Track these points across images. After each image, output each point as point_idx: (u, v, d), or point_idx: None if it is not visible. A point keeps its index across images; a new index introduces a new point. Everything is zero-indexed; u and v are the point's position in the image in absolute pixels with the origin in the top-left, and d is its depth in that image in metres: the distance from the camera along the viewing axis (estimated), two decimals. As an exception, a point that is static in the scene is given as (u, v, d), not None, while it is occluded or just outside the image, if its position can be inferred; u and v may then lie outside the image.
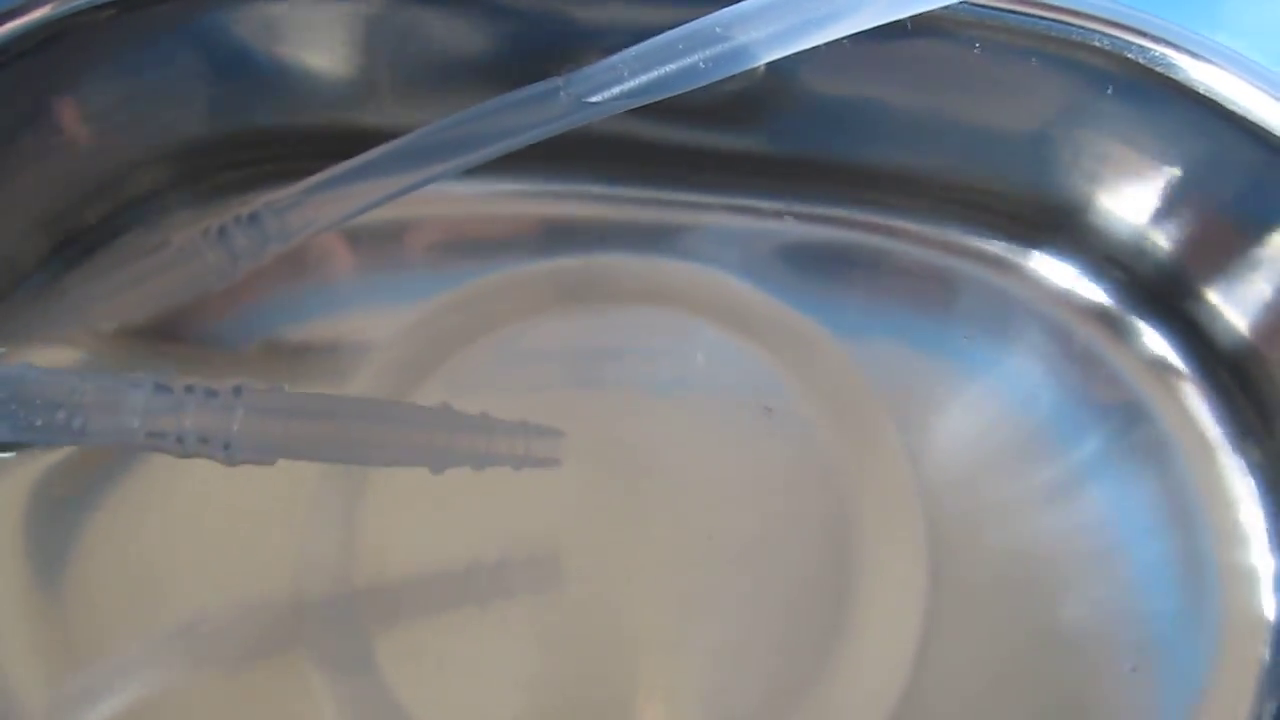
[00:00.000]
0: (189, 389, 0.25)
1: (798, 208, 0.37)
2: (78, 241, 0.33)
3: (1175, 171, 0.33)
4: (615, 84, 0.29)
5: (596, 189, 0.37)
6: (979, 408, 0.34)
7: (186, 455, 0.25)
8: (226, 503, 0.31)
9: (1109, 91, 0.32)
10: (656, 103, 0.30)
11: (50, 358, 0.32)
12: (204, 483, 0.31)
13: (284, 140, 0.35)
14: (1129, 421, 0.34)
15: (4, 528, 0.30)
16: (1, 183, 0.31)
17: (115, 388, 0.24)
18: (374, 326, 0.34)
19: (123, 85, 0.32)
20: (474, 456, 0.27)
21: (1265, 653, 0.31)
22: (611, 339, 0.35)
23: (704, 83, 0.29)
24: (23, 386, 0.24)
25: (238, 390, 0.25)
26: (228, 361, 0.34)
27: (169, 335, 0.33)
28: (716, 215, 0.37)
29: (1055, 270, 0.36)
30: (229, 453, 0.25)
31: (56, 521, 0.30)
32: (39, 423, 0.24)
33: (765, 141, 0.36)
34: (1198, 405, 0.34)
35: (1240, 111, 0.31)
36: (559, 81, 0.30)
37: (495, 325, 0.35)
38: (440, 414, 0.27)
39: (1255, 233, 0.33)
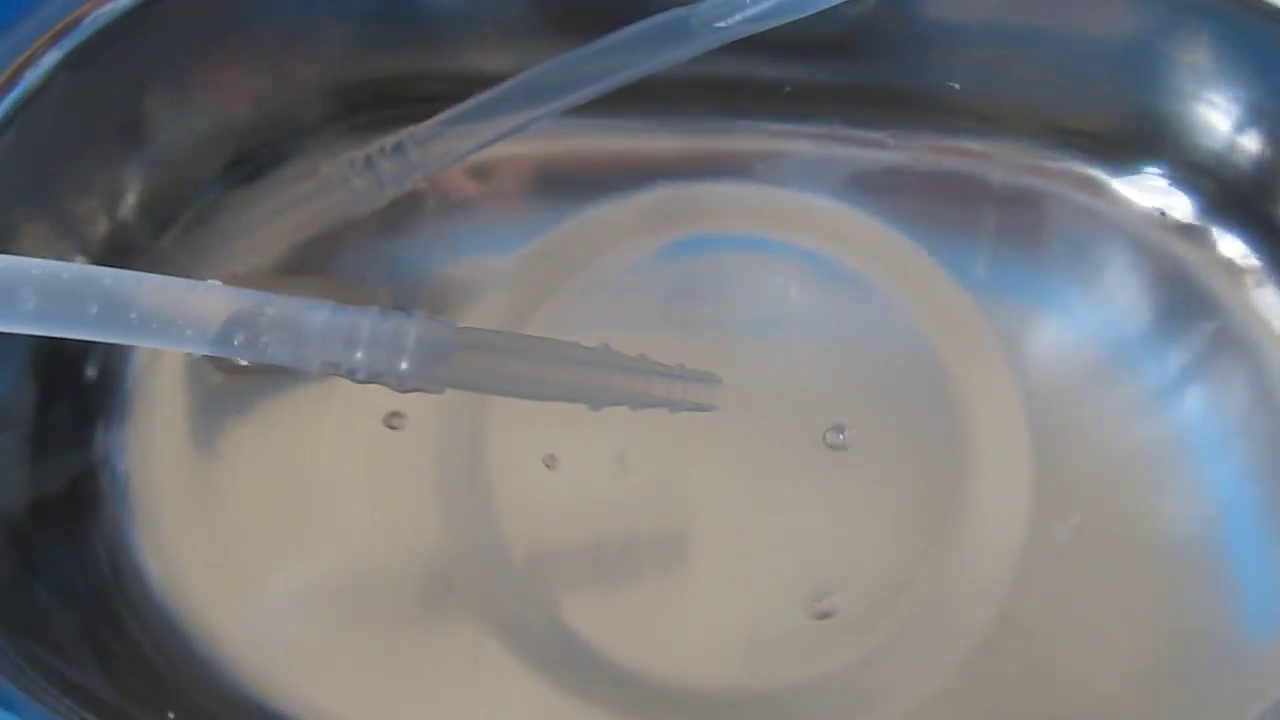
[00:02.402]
0: (362, 311, 0.25)
1: (890, 135, 0.38)
2: (242, 167, 0.35)
3: (1258, 88, 0.34)
4: (739, 10, 0.31)
5: (694, 123, 0.38)
6: (1075, 321, 0.36)
7: (359, 380, 0.25)
8: (368, 425, 0.33)
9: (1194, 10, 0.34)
10: (758, 39, 0.32)
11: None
12: (348, 405, 0.33)
13: (429, 79, 0.36)
14: (1218, 329, 0.36)
15: (171, 418, 0.33)
16: (180, 106, 0.33)
17: (295, 307, 0.24)
18: (485, 263, 0.36)
19: (291, 23, 0.34)
20: (633, 397, 0.28)
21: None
22: (714, 267, 0.36)
23: (824, 6, 0.31)
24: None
25: (411, 316, 0.25)
26: (353, 297, 0.35)
27: (295, 276, 0.35)
28: (810, 144, 0.38)
29: (1143, 186, 0.37)
30: (402, 379, 0.25)
31: (214, 416, 0.33)
32: (238, 341, 0.24)
33: (861, 71, 0.37)
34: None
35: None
36: (686, 10, 0.32)
37: (595, 261, 0.36)
38: (603, 354, 0.27)
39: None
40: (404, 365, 0.25)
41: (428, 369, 0.25)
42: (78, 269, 0.23)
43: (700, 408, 0.29)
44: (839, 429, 0.33)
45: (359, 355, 0.25)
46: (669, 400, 0.28)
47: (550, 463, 0.33)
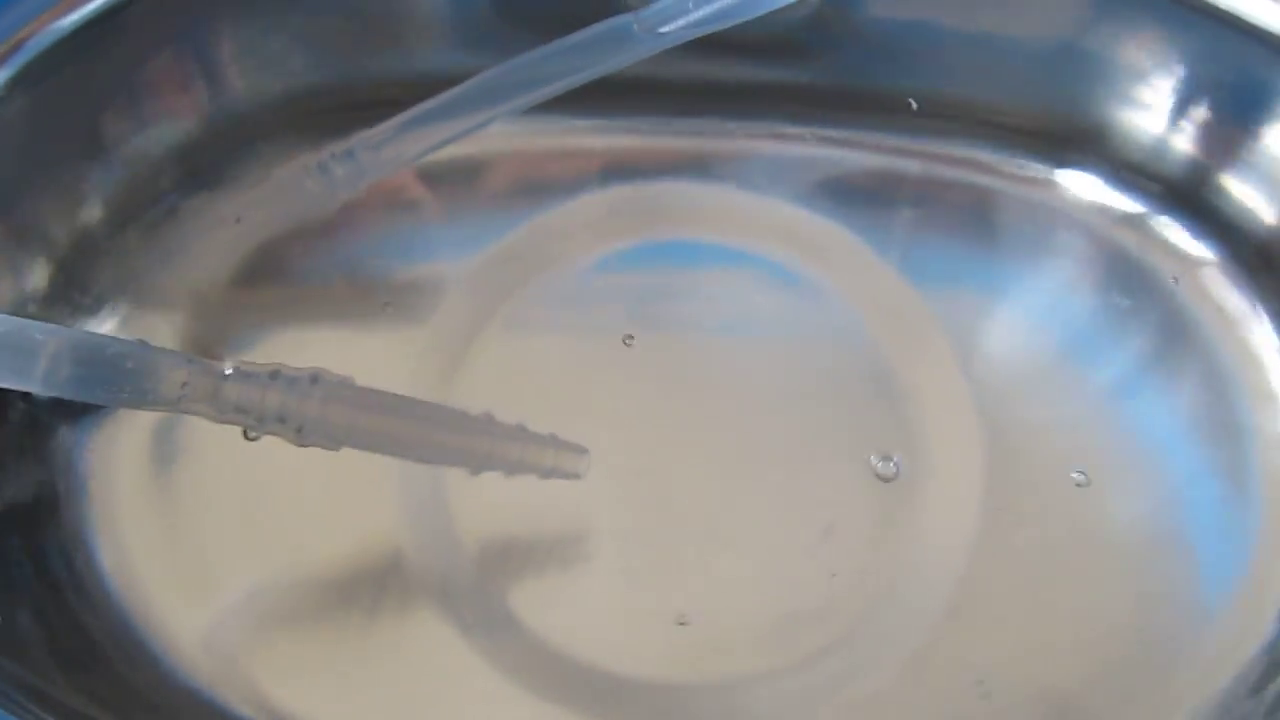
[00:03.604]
0: (273, 375, 0.27)
1: (837, 135, 0.38)
2: (199, 173, 0.36)
3: (1189, 79, 0.35)
4: (682, 15, 0.32)
5: (651, 124, 0.39)
6: (1024, 317, 0.36)
7: (262, 433, 0.28)
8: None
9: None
10: (710, 41, 0.33)
11: (158, 300, 0.35)
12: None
13: (381, 85, 0.37)
14: (1168, 321, 0.36)
15: (132, 419, 0.33)
16: (135, 117, 0.34)
17: (210, 371, 0.27)
18: (449, 263, 0.36)
19: (244, 31, 0.35)
20: (508, 464, 0.30)
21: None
22: (671, 269, 0.37)
23: (766, 10, 0.31)
24: (124, 360, 0.26)
25: (314, 379, 0.27)
26: (317, 301, 0.36)
27: (255, 281, 0.36)
28: (759, 144, 0.39)
29: (1086, 182, 0.38)
30: (300, 435, 0.27)
31: (174, 450, 0.33)
32: (127, 394, 0.26)
33: (806, 73, 0.38)
34: (1227, 294, 0.36)
35: (1246, 17, 0.33)
36: (630, 16, 0.32)
37: (558, 261, 0.37)
38: (484, 423, 0.29)
39: (1268, 128, 0.35)
40: (305, 423, 0.27)
41: (327, 429, 0.27)
42: None
43: (567, 476, 0.31)
44: (793, 427, 0.34)
45: (268, 406, 0.27)
46: (540, 468, 0.30)
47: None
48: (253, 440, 0.32)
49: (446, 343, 0.35)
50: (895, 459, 0.33)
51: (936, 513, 0.33)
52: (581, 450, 0.31)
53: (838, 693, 0.30)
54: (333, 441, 0.28)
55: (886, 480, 0.33)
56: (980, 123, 0.38)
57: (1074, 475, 0.33)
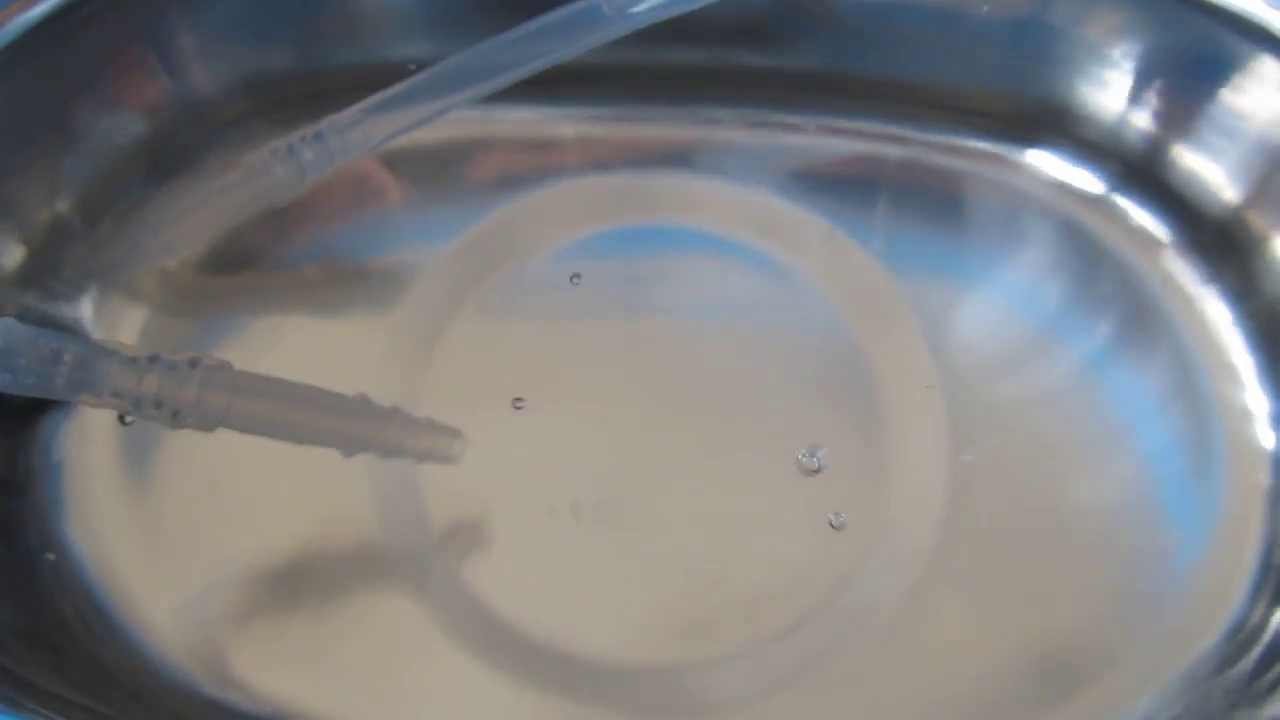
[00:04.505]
0: (151, 360, 0.27)
1: (807, 119, 0.38)
2: (170, 160, 0.36)
3: (1148, 58, 0.35)
4: (652, -4, 0.32)
5: (625, 111, 0.39)
6: (994, 299, 0.36)
7: (140, 416, 0.28)
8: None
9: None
10: (682, 26, 0.33)
11: (129, 286, 0.35)
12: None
13: (350, 70, 0.37)
14: (1135, 301, 0.36)
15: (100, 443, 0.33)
16: (105, 105, 0.34)
17: (89, 354, 0.27)
18: (422, 249, 0.36)
19: (211, 20, 0.35)
20: (383, 447, 0.30)
21: (1268, 480, 0.33)
22: (645, 255, 0.37)
23: (735, -8, 0.32)
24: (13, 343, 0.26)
25: (193, 363, 0.27)
26: (288, 288, 0.36)
27: (233, 266, 0.36)
28: (735, 132, 0.39)
29: (1055, 163, 0.38)
30: (176, 420, 0.27)
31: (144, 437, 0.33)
32: (29, 380, 0.26)
33: (780, 58, 0.38)
34: (1189, 273, 0.36)
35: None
36: (600, -2, 0.32)
37: (536, 247, 0.37)
38: (360, 405, 0.29)
39: (1226, 106, 0.35)
40: (180, 407, 0.27)
41: (202, 411, 0.27)
42: None
43: (442, 460, 0.31)
44: (766, 411, 0.34)
45: (145, 390, 0.27)
46: (416, 451, 0.30)
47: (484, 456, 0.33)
48: (127, 425, 0.32)
49: (418, 328, 0.35)
50: (866, 439, 0.34)
51: (906, 490, 0.33)
52: (455, 434, 0.31)
53: (807, 668, 0.31)
54: (209, 424, 0.28)
55: (857, 459, 0.33)
56: (951, 107, 0.38)
57: (1042, 452, 0.33)
